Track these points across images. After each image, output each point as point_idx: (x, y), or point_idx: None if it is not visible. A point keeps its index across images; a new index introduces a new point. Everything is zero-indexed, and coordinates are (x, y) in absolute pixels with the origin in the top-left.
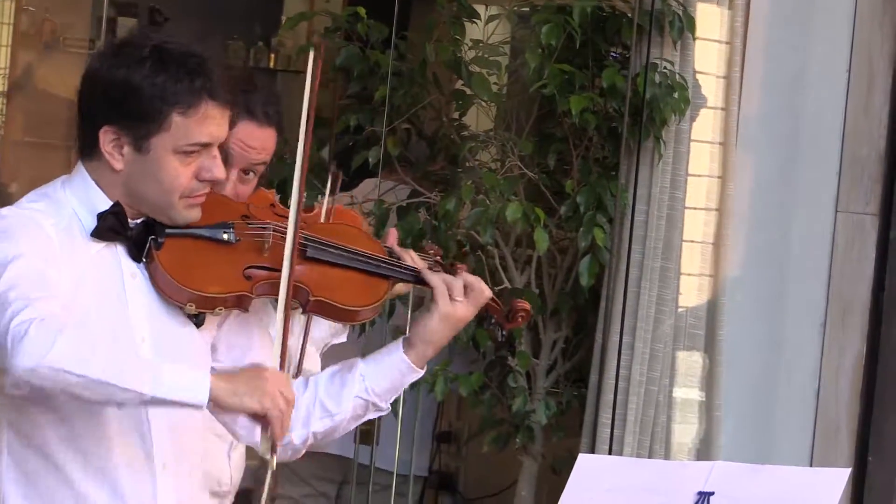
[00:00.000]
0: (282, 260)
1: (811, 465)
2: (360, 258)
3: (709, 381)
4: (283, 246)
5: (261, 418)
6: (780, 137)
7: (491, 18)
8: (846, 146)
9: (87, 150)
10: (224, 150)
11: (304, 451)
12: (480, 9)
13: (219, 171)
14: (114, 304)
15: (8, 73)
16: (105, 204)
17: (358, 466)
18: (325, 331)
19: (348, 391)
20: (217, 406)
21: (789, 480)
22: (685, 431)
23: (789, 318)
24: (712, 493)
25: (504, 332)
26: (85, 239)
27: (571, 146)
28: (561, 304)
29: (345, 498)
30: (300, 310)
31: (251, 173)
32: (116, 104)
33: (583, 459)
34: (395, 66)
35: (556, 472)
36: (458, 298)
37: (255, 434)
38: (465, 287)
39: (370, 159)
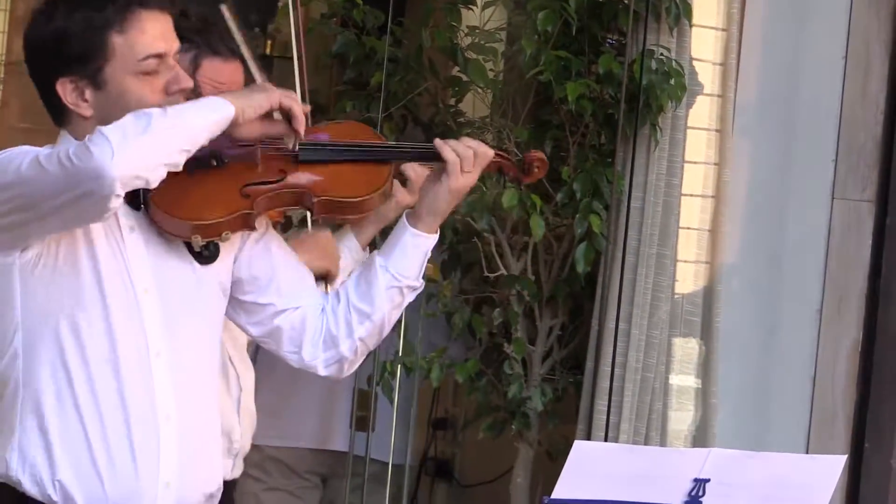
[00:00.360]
0: (275, 171)
1: (807, 453)
2: (355, 149)
3: (705, 368)
4: (274, 158)
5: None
6: (777, 124)
7: (487, 4)
8: (843, 133)
9: (58, 115)
10: (196, 91)
11: (359, 361)
12: None
13: (185, 80)
14: (111, 261)
15: (4, 60)
16: None
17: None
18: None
19: (377, 287)
20: (240, 115)
21: (786, 467)
22: (681, 418)
23: (786, 305)
24: (708, 480)
25: (520, 185)
26: None
27: (568, 133)
28: (557, 290)
29: (339, 487)
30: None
31: None
32: (57, 55)
33: (579, 446)
34: (391, 52)
35: (552, 459)
36: (467, 170)
37: (304, 353)
38: (475, 154)
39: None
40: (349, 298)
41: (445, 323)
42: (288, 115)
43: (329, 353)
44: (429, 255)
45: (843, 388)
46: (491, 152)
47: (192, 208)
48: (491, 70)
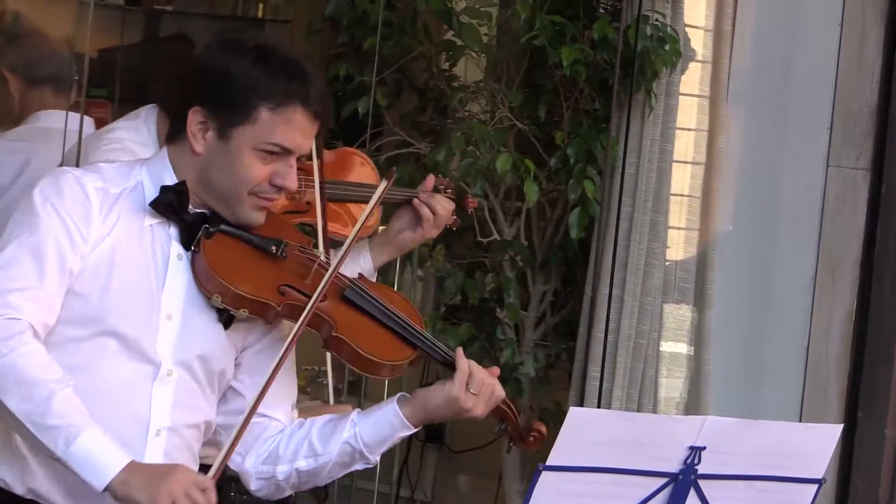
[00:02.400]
0: (322, 295)
1: (800, 421)
2: (395, 318)
3: (698, 336)
4: (333, 284)
5: None
6: (771, 91)
7: None
8: (838, 100)
9: (174, 132)
10: None
11: (288, 492)
12: None
13: (291, 180)
14: (150, 276)
15: None
16: (172, 181)
17: None
18: None
19: (337, 436)
20: (111, 495)
21: (782, 436)
22: (674, 386)
23: (779, 274)
24: (703, 448)
25: (510, 445)
26: (142, 210)
27: (562, 98)
28: (550, 256)
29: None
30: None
31: None
32: (211, 89)
33: (574, 413)
34: (385, 15)
35: (545, 425)
36: (472, 391)
37: (246, 461)
38: (483, 382)
39: (360, 109)
40: (310, 431)
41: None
42: None
43: (266, 467)
44: (396, 441)
45: (836, 356)
46: (500, 391)
47: (229, 271)
48: (485, 34)
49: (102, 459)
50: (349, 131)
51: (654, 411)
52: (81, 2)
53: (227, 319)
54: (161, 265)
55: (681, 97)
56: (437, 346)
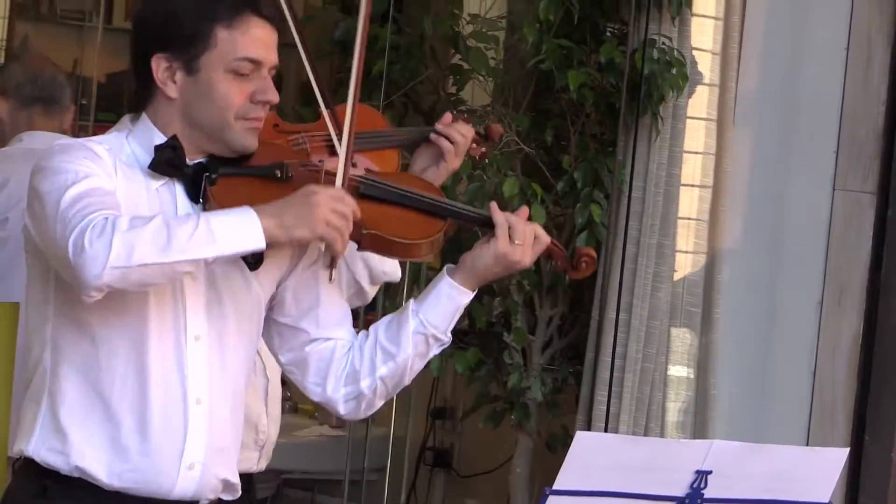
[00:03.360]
0: None
1: (807, 444)
2: (415, 197)
3: (704, 359)
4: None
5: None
6: (778, 114)
7: None
8: (844, 124)
9: (144, 91)
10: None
11: (379, 403)
12: None
13: (272, 93)
14: None
15: (5, 45)
16: (159, 139)
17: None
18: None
19: (405, 330)
20: (273, 243)
21: (788, 460)
22: (681, 409)
23: (786, 297)
24: (710, 472)
25: (565, 274)
26: (143, 175)
27: (569, 122)
28: (557, 280)
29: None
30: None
31: None
32: (162, 31)
33: (581, 437)
34: (393, 39)
35: (552, 450)
36: (517, 241)
37: (327, 388)
38: (527, 230)
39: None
40: (377, 337)
41: None
42: (328, 248)
43: (349, 388)
44: (461, 311)
45: (843, 380)
46: (546, 236)
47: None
48: (492, 58)
49: (239, 223)
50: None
51: (661, 435)
52: (89, 26)
53: (254, 261)
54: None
55: (688, 120)
56: (465, 209)
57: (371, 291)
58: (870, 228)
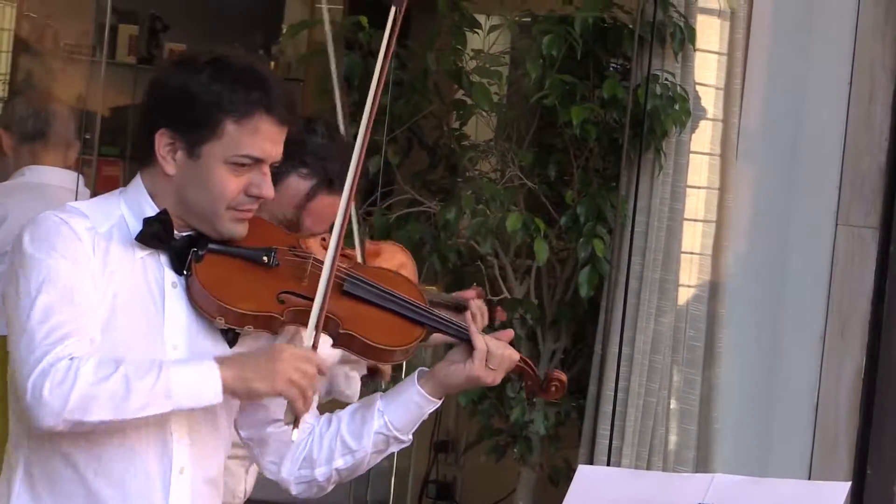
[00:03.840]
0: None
1: (809, 478)
2: (398, 301)
3: (707, 393)
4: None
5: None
6: (781, 149)
7: (492, 28)
8: (847, 159)
9: (144, 157)
10: (297, 221)
11: (330, 489)
12: (482, 19)
13: (268, 189)
14: (150, 309)
15: (8, 80)
16: (153, 211)
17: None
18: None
19: (368, 427)
20: (232, 396)
21: (789, 493)
22: (683, 443)
23: (789, 330)
24: None
25: (531, 398)
26: (130, 244)
27: (572, 157)
28: (560, 314)
29: None
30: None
31: None
32: (173, 109)
33: (583, 471)
34: (397, 75)
35: (554, 483)
36: (492, 367)
37: (282, 469)
38: (502, 356)
39: (370, 168)
40: (340, 428)
41: None
42: (290, 405)
43: (304, 472)
44: (425, 417)
45: (845, 413)
46: (516, 356)
47: (227, 292)
48: (495, 94)
49: (199, 378)
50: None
51: (664, 469)
52: (93, 60)
53: (232, 337)
54: (158, 297)
55: (691, 155)
56: (448, 321)
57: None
58: (872, 263)
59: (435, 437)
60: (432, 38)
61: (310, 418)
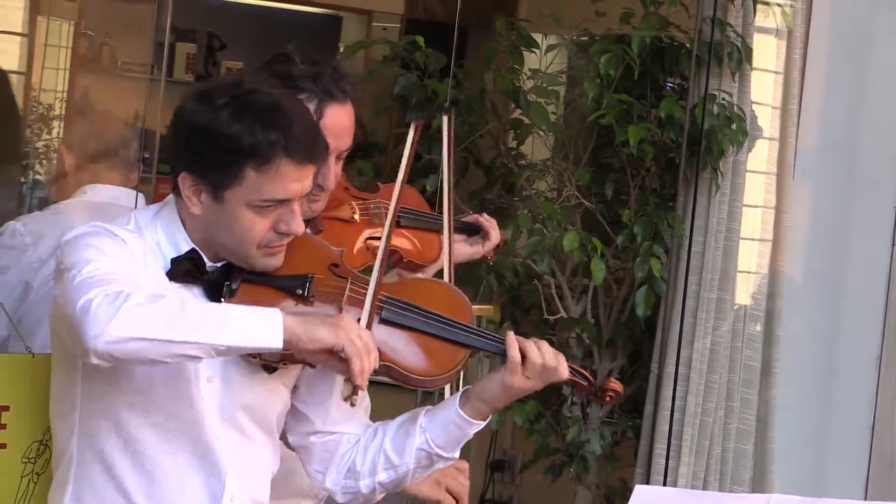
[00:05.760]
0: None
1: (865, 499)
2: (440, 323)
3: (764, 413)
4: (361, 306)
5: (339, 361)
6: (838, 168)
7: (549, 48)
8: None
9: (174, 189)
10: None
11: (376, 500)
12: (539, 38)
13: (297, 225)
14: None
15: (66, 98)
16: (186, 244)
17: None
18: None
19: (411, 443)
20: (292, 345)
21: None
22: (740, 463)
23: (845, 351)
24: None
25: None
26: (164, 269)
27: (629, 176)
28: (616, 334)
29: None
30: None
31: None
32: (195, 152)
33: (640, 490)
34: (453, 94)
35: (610, 502)
36: (528, 376)
37: (328, 478)
38: (542, 367)
39: (427, 187)
40: (383, 442)
41: None
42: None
43: (349, 482)
44: (469, 437)
45: None
46: (565, 372)
47: None
48: (552, 113)
49: (260, 316)
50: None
51: (721, 488)
52: (151, 79)
53: (270, 369)
54: None
55: (747, 174)
56: (488, 336)
57: None
58: None
59: (491, 456)
60: (489, 57)
61: (356, 428)
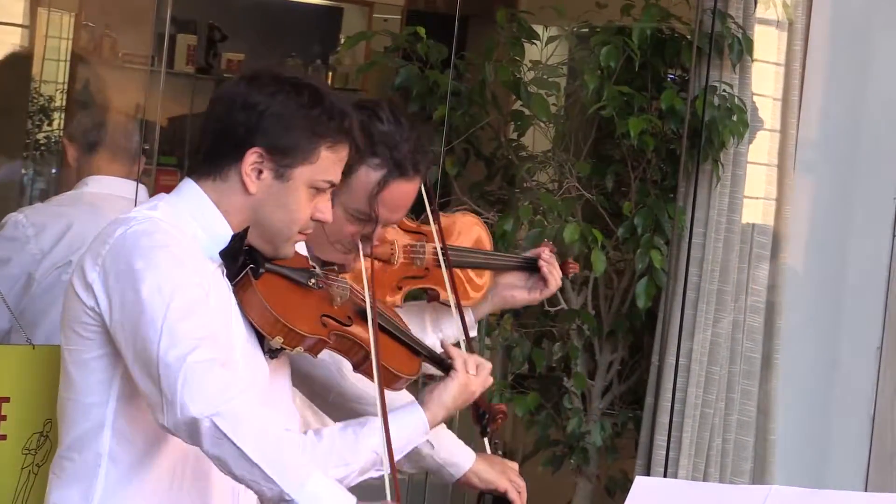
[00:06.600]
0: (345, 314)
1: (866, 490)
2: (404, 332)
3: (764, 404)
4: (351, 302)
5: None
6: (838, 160)
7: (550, 39)
8: None
9: (216, 171)
10: (373, 214)
11: None
12: (539, 30)
13: (329, 214)
14: (230, 322)
15: (66, 89)
16: (224, 227)
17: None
18: None
19: (365, 443)
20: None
21: None
22: (740, 454)
23: (846, 341)
24: None
25: (488, 431)
26: (204, 259)
27: (629, 168)
28: (617, 325)
29: None
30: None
31: None
32: (268, 131)
33: (640, 482)
34: (454, 85)
35: (611, 494)
36: (472, 372)
37: None
38: (480, 365)
39: (428, 179)
40: (334, 442)
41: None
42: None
43: None
44: (412, 446)
45: None
46: (488, 381)
47: (288, 311)
48: (553, 104)
49: (333, 500)
50: (418, 200)
51: (721, 480)
52: (152, 70)
53: (275, 354)
54: (230, 310)
55: (748, 166)
56: (432, 350)
57: None
58: None
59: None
60: (490, 49)
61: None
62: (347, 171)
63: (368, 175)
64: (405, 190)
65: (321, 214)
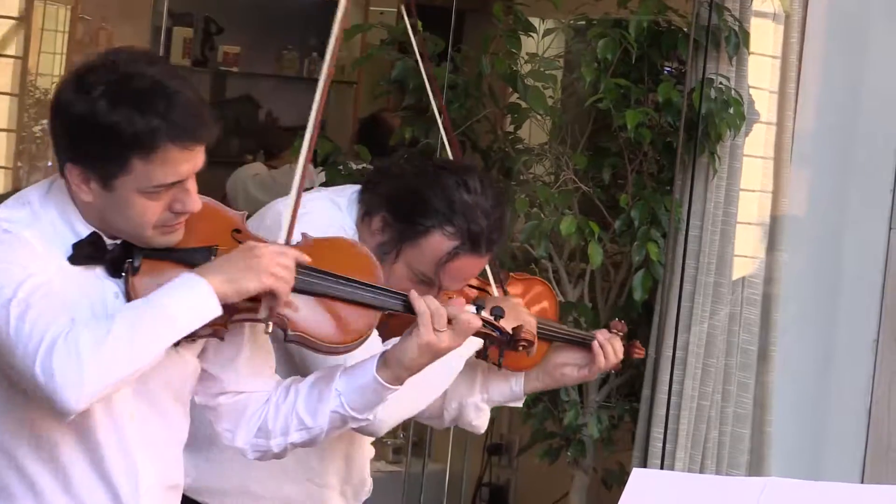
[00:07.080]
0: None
1: (862, 482)
2: (352, 287)
3: (761, 397)
4: None
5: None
6: (835, 153)
7: (547, 32)
8: None
9: (63, 170)
10: (438, 282)
11: (286, 456)
12: (536, 22)
13: (192, 203)
14: (83, 304)
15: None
16: (82, 226)
17: (409, 479)
18: None
19: (324, 407)
20: (225, 301)
21: (843, 497)
22: (736, 447)
23: (842, 335)
24: None
25: (500, 362)
26: (62, 255)
27: (626, 160)
28: (614, 318)
29: None
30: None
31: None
32: (78, 143)
33: (637, 474)
34: (451, 78)
35: (608, 486)
36: (440, 329)
37: (237, 437)
38: (450, 319)
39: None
40: (296, 403)
41: None
42: (271, 298)
43: (259, 441)
44: (384, 401)
45: None
46: (476, 322)
47: None
48: (550, 97)
49: (193, 297)
50: None
51: (718, 472)
52: None
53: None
54: (102, 310)
55: (745, 159)
56: (396, 294)
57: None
58: None
59: (488, 440)
60: (487, 41)
61: (264, 385)
62: (421, 232)
63: (441, 243)
64: (473, 264)
65: (181, 206)
